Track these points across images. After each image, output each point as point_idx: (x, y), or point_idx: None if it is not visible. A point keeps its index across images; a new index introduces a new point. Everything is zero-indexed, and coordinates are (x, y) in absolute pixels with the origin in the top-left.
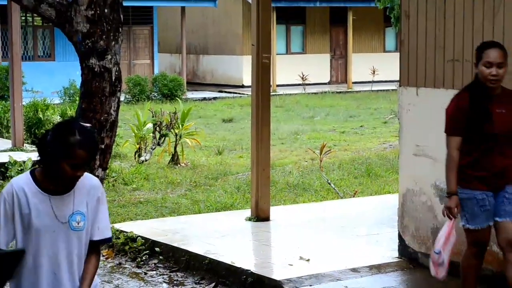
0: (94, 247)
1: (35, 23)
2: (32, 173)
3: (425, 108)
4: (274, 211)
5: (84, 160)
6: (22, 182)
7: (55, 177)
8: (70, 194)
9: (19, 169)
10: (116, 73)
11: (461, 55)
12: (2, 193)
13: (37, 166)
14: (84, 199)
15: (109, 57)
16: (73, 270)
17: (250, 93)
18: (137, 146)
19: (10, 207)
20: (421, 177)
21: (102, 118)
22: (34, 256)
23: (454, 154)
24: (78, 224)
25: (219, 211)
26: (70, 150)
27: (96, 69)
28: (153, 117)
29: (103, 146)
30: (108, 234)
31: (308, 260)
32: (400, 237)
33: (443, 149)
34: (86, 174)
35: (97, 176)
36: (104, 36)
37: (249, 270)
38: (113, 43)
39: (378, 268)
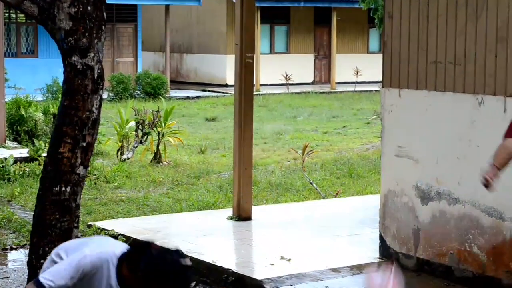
0: None
1: (18, 20)
2: (120, 265)
3: (408, 110)
4: (256, 211)
5: None
6: (109, 263)
7: None
8: None
9: (1, 165)
10: (99, 71)
11: (443, 57)
12: (85, 258)
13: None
14: None
15: (92, 54)
16: None
17: (233, 92)
18: (120, 144)
19: (83, 275)
20: (402, 178)
21: (84, 116)
22: None
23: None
24: None
25: (201, 210)
26: None
27: (78, 67)
28: (136, 115)
29: (84, 144)
30: None
31: (289, 260)
32: (381, 237)
33: (425, 150)
34: None
35: (78, 174)
36: (87, 34)
37: (230, 269)
38: (96, 40)
39: (359, 269)
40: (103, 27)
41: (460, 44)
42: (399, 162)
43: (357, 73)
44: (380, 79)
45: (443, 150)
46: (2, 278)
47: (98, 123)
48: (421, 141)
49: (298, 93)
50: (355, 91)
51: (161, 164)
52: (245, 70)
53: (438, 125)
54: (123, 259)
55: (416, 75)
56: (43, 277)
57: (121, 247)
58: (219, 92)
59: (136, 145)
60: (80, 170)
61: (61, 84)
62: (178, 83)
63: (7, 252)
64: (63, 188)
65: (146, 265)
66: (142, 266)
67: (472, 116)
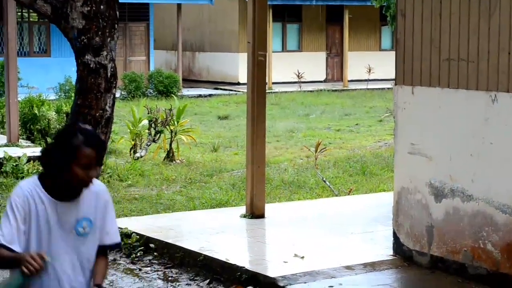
0: (103, 252)
1: (31, 19)
2: (40, 178)
3: (421, 107)
4: (269, 208)
5: (93, 158)
6: (31, 186)
7: (68, 185)
8: (78, 200)
9: (14, 164)
10: (112, 70)
11: (456, 54)
12: (13, 197)
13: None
14: (92, 204)
15: (105, 53)
16: (81, 274)
17: (245, 91)
18: (133, 142)
19: (22, 210)
20: (416, 175)
21: (97, 114)
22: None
23: None
24: (84, 229)
25: (214, 208)
26: (77, 151)
27: (91, 66)
28: (148, 113)
29: None
30: (117, 238)
31: (302, 257)
32: (395, 235)
33: (438, 148)
34: (94, 181)
35: None
36: (99, 33)
37: (244, 267)
38: (108, 39)
39: (372, 266)
40: (116, 25)
41: (473, 42)
42: (412, 159)
43: (370, 70)
44: (393, 76)
45: (457, 147)
46: None
47: (111, 121)
48: (434, 138)
49: (310, 91)
50: (368, 89)
51: (174, 162)
52: (258, 68)
53: (451, 122)
54: (41, 175)
55: (429, 72)
56: None
57: (35, 175)
58: (231, 90)
59: (149, 143)
60: None
61: (74, 83)
62: (190, 81)
63: None
64: None
65: (55, 147)
66: (54, 151)
67: (485, 113)
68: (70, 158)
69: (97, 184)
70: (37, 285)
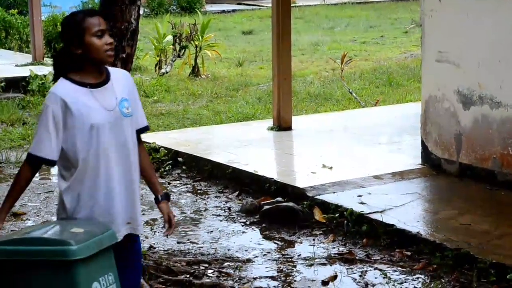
0: (139, 138)
1: None
2: (66, 78)
3: (448, 14)
4: (296, 121)
5: (102, 24)
6: (62, 86)
7: (94, 60)
8: (109, 84)
9: (40, 82)
10: None
11: None
12: (46, 104)
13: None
14: (123, 87)
15: None
16: (131, 159)
17: (269, 5)
18: (157, 58)
19: (59, 115)
20: (443, 83)
21: (122, 27)
22: (95, 153)
23: None
24: (128, 110)
25: (240, 121)
26: (83, 22)
27: None
28: (172, 29)
29: (124, 55)
30: (146, 121)
31: (331, 168)
32: (423, 144)
33: (466, 55)
34: (116, 68)
35: None
36: None
37: (272, 178)
38: None
39: (401, 175)
40: None
41: None
42: (440, 67)
43: None
44: None
45: (485, 54)
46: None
47: (136, 34)
48: (462, 46)
49: (334, 4)
50: (392, 0)
51: (199, 77)
52: None
53: (479, 29)
54: (65, 75)
55: None
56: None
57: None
58: (254, 5)
59: (174, 59)
60: None
61: (96, 1)
62: None
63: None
64: None
65: (64, 33)
66: (65, 37)
67: None
68: (80, 31)
69: (121, 70)
70: (91, 180)
